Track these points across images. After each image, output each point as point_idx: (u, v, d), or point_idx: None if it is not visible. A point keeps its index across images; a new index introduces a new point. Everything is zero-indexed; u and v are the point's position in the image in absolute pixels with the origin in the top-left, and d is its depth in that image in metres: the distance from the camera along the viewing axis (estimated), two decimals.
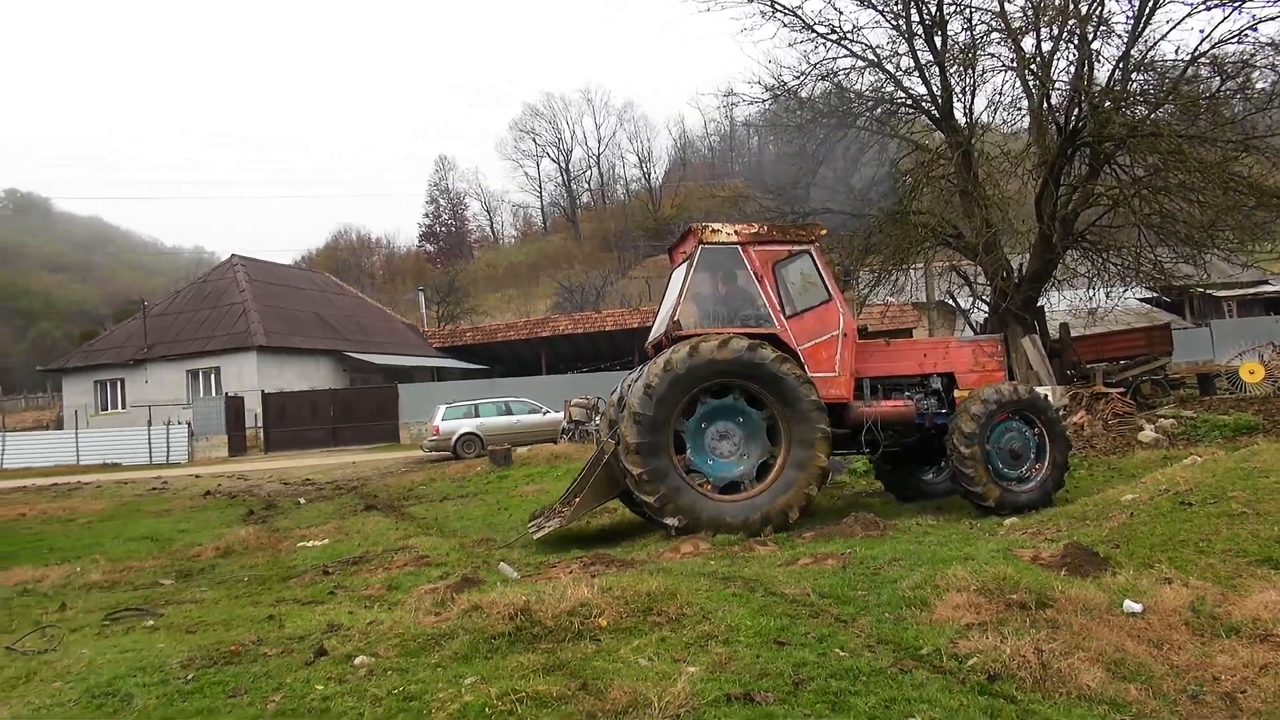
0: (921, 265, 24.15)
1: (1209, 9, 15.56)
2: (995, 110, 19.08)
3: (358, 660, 4.98)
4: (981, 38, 17.95)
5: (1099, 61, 17.10)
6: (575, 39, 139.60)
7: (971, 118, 18.85)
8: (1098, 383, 17.83)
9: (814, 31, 18.47)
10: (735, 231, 10.27)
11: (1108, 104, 16.14)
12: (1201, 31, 16.15)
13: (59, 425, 40.25)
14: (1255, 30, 15.48)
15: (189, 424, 33.67)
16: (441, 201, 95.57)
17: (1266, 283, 38.39)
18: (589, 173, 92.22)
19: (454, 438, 25.05)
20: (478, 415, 26.05)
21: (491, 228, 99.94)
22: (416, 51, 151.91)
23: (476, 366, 45.65)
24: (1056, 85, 17.55)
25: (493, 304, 70.71)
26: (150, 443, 32.69)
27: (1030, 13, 16.95)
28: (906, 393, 10.71)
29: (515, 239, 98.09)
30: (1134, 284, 20.35)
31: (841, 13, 22.28)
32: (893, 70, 18.85)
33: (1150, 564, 6.16)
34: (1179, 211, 16.88)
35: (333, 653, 5.17)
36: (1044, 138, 17.72)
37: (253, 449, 34.07)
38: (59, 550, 13.25)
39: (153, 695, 4.78)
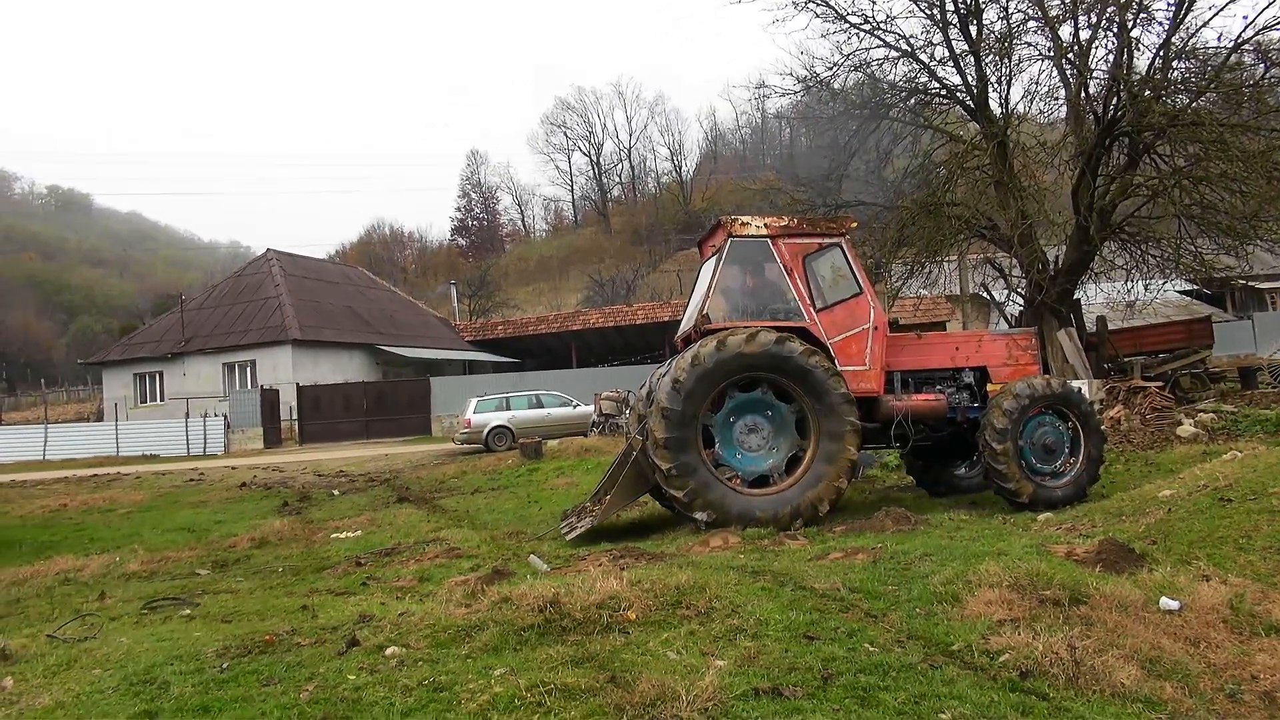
0: (955, 258, 23.83)
1: None
2: (1031, 100, 18.84)
3: (389, 651, 5.02)
4: (1018, 26, 17.64)
5: (1139, 49, 16.74)
6: (607, 31, 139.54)
7: (1007, 108, 18.55)
8: (1135, 376, 17.51)
9: (847, 22, 18.29)
10: (765, 224, 10.22)
11: (1147, 93, 15.80)
12: (1245, 18, 15.78)
13: (99, 417, 41.01)
14: None
15: (225, 416, 34.19)
16: (473, 195, 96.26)
17: None
18: (620, 166, 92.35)
19: (485, 430, 25.24)
20: (509, 408, 26.21)
21: (523, 221, 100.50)
22: (450, 47, 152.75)
23: (508, 360, 45.90)
24: (1095, 74, 17.26)
25: (524, 297, 71.02)
26: (188, 435, 33.24)
27: (1068, 1, 16.68)
28: (938, 387, 10.60)
29: (546, 232, 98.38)
30: (1174, 276, 19.91)
31: (875, 2, 22.08)
32: (926, 60, 18.62)
33: (1188, 561, 6.03)
34: (1221, 202, 16.50)
35: (365, 643, 5.22)
36: (1081, 127, 17.41)
37: (287, 441, 34.49)
38: (99, 540, 13.57)
39: (189, 683, 4.85)
